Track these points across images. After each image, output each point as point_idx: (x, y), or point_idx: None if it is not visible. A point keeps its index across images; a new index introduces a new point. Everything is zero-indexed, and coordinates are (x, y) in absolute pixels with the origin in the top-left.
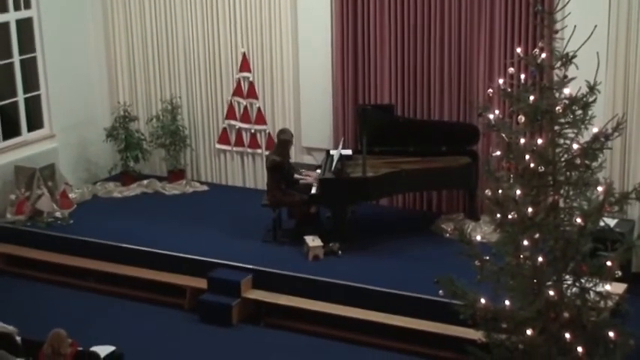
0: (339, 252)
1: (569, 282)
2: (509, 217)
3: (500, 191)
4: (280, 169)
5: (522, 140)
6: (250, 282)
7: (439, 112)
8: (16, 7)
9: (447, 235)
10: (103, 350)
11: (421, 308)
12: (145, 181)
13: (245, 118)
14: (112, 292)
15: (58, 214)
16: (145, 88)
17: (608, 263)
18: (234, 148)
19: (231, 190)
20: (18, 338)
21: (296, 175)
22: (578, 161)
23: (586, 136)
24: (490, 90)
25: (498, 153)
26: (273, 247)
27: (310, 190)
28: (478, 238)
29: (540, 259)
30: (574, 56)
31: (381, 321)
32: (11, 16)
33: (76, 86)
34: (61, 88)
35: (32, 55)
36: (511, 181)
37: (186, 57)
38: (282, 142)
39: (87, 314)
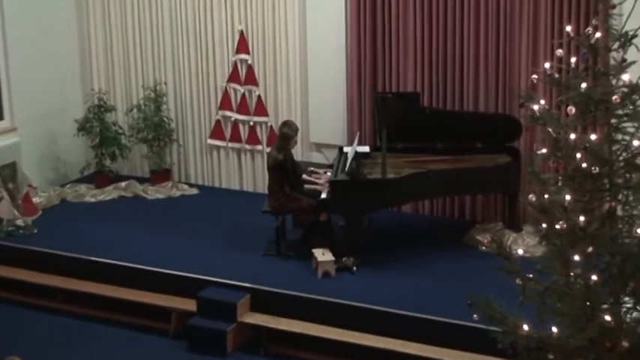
0: (354, 268)
1: (628, 305)
2: (557, 227)
3: (546, 196)
4: (284, 168)
5: (572, 136)
6: (248, 303)
7: (473, 102)
8: None
9: (483, 248)
10: None
11: (452, 335)
12: (124, 183)
13: (243, 108)
14: (82, 315)
15: (19, 222)
16: (124, 72)
17: None
18: (230, 144)
19: (226, 194)
20: None
21: (303, 176)
22: (639, 161)
23: None
24: (534, 76)
25: (544, 151)
26: (276, 262)
27: (320, 193)
28: (520, 251)
29: (594, 277)
30: (634, 36)
31: (403, 350)
32: None
33: (43, 70)
34: (24, 71)
35: None
36: (559, 184)
37: (173, 35)
38: (285, 136)
39: (51, 340)
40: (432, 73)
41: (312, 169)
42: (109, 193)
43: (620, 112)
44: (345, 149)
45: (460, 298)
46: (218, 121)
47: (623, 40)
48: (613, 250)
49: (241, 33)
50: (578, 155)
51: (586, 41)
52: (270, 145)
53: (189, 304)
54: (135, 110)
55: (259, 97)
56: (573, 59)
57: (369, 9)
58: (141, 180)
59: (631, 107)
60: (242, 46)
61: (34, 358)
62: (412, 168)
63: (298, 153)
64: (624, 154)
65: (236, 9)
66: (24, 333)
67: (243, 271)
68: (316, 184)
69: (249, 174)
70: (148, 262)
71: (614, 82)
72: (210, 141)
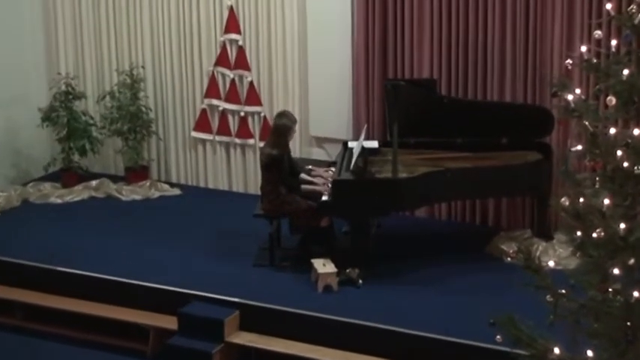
0: (360, 281)
1: None
2: (594, 235)
3: (581, 200)
4: (279, 166)
5: (612, 130)
6: (237, 321)
7: (498, 91)
8: None
9: (508, 259)
10: None
11: (471, 358)
12: (95, 182)
13: (232, 96)
14: (46, 333)
15: None
16: (96, 54)
17: None
18: (217, 138)
19: (213, 195)
20: None
21: (301, 175)
22: None
23: None
24: (569, 61)
25: (579, 147)
26: (269, 274)
27: (321, 195)
28: (551, 263)
29: (636, 293)
30: None
31: None
32: None
33: (1, 51)
34: None
35: None
36: (596, 186)
37: (152, 12)
38: (280, 129)
39: None
40: (451, 56)
41: (311, 167)
42: (78, 193)
43: None
44: (350, 144)
45: (481, 316)
46: (204, 111)
47: None
48: None
49: (231, 9)
50: (619, 153)
51: (629, 21)
52: (264, 139)
53: (170, 322)
54: (108, 98)
55: (251, 83)
56: (614, 42)
57: None
58: (114, 178)
59: None
60: (232, 24)
61: None
62: (427, 166)
63: (296, 148)
64: None
65: None
66: None
67: (232, 283)
68: (316, 184)
69: (240, 172)
70: (122, 273)
71: None
72: (194, 134)
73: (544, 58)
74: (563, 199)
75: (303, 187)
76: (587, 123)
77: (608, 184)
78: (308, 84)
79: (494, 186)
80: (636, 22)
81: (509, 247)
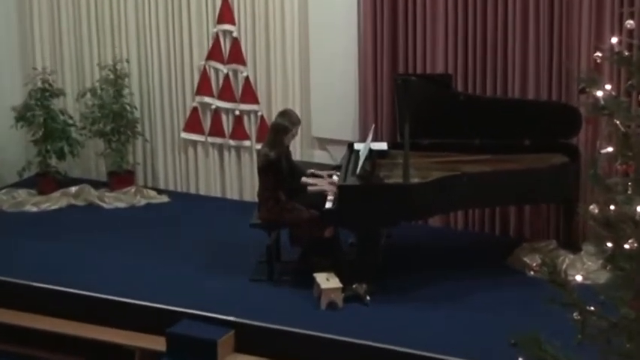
0: (367, 297)
1: None
2: (626, 246)
3: (612, 207)
4: (278, 170)
5: None
6: (232, 341)
7: (520, 87)
8: None
9: (531, 272)
10: None
11: None
12: (74, 188)
13: (226, 93)
14: (21, 356)
15: None
16: (76, 47)
17: None
18: (210, 139)
19: (205, 203)
20: None
21: (303, 180)
22: None
23: None
24: (598, 54)
25: (610, 149)
26: (268, 289)
27: (324, 202)
28: (578, 278)
29: None
30: None
31: None
32: None
33: None
34: None
35: None
36: (629, 191)
37: (138, 1)
38: (280, 129)
39: None
40: (468, 49)
41: (313, 171)
42: (56, 200)
43: None
44: (357, 146)
45: (502, 336)
46: (195, 110)
47: None
48: None
49: None
50: None
51: None
52: (261, 140)
53: (157, 343)
54: (88, 95)
55: (247, 78)
56: None
57: None
58: (96, 184)
59: None
60: (225, 13)
61: None
62: (442, 170)
63: (297, 151)
64: None
65: None
66: None
67: (226, 300)
68: (319, 190)
69: (234, 177)
70: (105, 289)
71: None
72: (184, 135)
73: (571, 50)
74: (592, 207)
75: (310, 189)
76: (618, 122)
77: None
78: (310, 79)
79: (515, 192)
80: None
81: (533, 260)
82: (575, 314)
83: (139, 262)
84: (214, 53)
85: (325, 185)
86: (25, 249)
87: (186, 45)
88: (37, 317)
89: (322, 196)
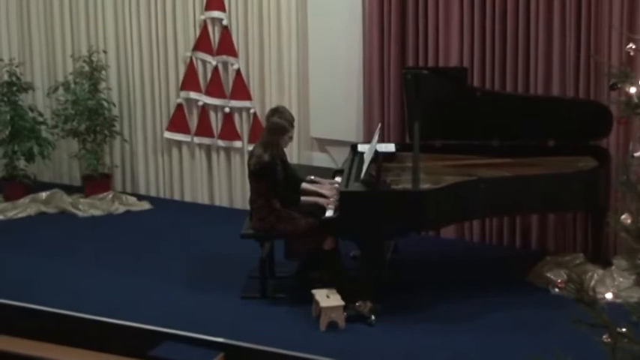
0: (372, 317)
1: None
2: None
3: None
4: (272, 174)
5: None
6: None
7: (543, 82)
8: None
9: (556, 290)
10: None
11: None
12: (45, 194)
13: (215, 88)
14: None
15: None
16: (46, 35)
17: None
18: (197, 139)
19: (190, 211)
20: None
21: (303, 185)
22: None
23: None
24: (631, 46)
25: None
26: (260, 308)
27: (324, 211)
28: (608, 296)
29: None
30: None
31: None
32: None
33: None
34: None
35: None
36: None
37: None
38: (274, 129)
39: None
40: (486, 40)
41: (313, 177)
42: (24, 207)
43: None
44: (361, 148)
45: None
46: (180, 107)
47: None
48: None
49: None
50: None
51: None
52: (254, 140)
53: None
54: (61, 90)
55: (238, 72)
56: None
57: None
58: (69, 189)
59: None
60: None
61: None
62: (456, 175)
63: (293, 153)
64: None
65: None
66: None
67: (214, 320)
68: (323, 194)
69: (224, 182)
70: (79, 306)
71: None
72: (168, 134)
73: (600, 43)
74: (623, 216)
75: (304, 198)
76: None
77: None
78: (308, 73)
79: (538, 199)
80: None
81: (557, 276)
82: (604, 337)
83: (116, 276)
84: (202, 43)
85: (325, 191)
86: None
87: (170, 34)
88: (4, 339)
89: (321, 205)
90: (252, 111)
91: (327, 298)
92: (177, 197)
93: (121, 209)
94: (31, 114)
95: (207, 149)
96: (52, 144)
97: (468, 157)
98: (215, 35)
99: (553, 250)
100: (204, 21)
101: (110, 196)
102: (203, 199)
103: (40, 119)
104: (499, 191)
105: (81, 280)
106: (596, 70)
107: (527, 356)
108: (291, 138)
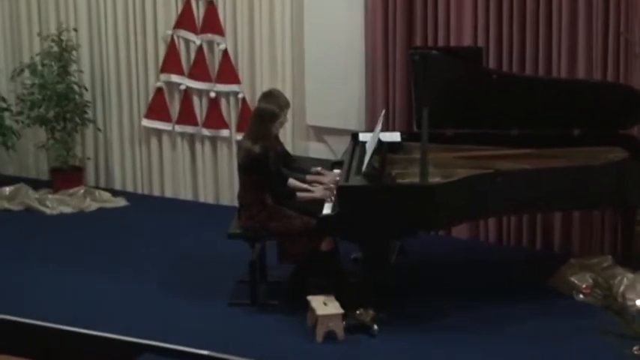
0: (375, 326)
1: None
2: None
3: None
4: (263, 167)
5: None
6: None
7: (568, 64)
8: None
9: (580, 296)
10: None
11: None
12: (8, 189)
13: (199, 70)
14: None
15: None
16: (11, 12)
17: None
18: (178, 128)
19: (172, 208)
20: None
21: (290, 181)
22: None
23: None
24: None
25: None
26: (250, 316)
27: (321, 207)
28: (639, 303)
29: None
30: None
31: None
32: None
33: None
34: None
35: None
36: None
37: None
38: (265, 116)
39: None
40: (503, 18)
41: (319, 169)
42: None
43: None
44: (363, 137)
45: None
46: (159, 91)
47: None
48: None
49: None
50: None
51: None
52: (243, 129)
53: None
54: (27, 72)
55: (226, 52)
56: None
57: None
58: (36, 184)
59: None
60: None
61: None
62: (470, 168)
63: (287, 143)
64: None
65: None
66: None
67: (199, 329)
68: (311, 190)
69: (209, 176)
70: (50, 315)
71: None
72: (146, 122)
73: (631, 18)
74: None
75: (300, 194)
76: None
77: None
78: (304, 55)
79: (562, 195)
80: None
81: (582, 280)
82: (635, 348)
83: (89, 282)
84: (184, 20)
85: (322, 188)
86: None
87: (149, 10)
88: None
89: (318, 201)
90: (240, 96)
91: (325, 306)
92: (156, 193)
93: (94, 206)
94: None
95: (191, 139)
96: (16, 133)
97: (482, 147)
98: (199, 11)
99: (578, 252)
100: None
101: (82, 191)
102: (186, 194)
103: (3, 105)
104: (518, 186)
105: (49, 285)
106: (627, 49)
107: None
108: (282, 123)
